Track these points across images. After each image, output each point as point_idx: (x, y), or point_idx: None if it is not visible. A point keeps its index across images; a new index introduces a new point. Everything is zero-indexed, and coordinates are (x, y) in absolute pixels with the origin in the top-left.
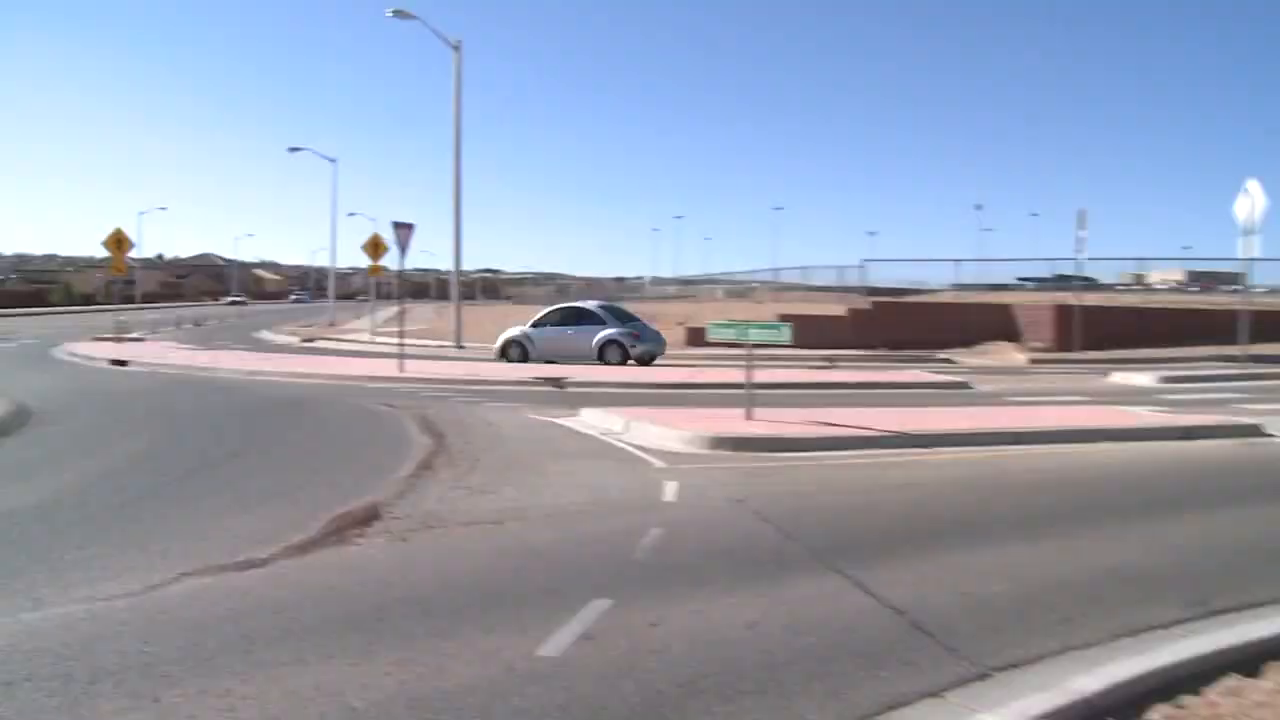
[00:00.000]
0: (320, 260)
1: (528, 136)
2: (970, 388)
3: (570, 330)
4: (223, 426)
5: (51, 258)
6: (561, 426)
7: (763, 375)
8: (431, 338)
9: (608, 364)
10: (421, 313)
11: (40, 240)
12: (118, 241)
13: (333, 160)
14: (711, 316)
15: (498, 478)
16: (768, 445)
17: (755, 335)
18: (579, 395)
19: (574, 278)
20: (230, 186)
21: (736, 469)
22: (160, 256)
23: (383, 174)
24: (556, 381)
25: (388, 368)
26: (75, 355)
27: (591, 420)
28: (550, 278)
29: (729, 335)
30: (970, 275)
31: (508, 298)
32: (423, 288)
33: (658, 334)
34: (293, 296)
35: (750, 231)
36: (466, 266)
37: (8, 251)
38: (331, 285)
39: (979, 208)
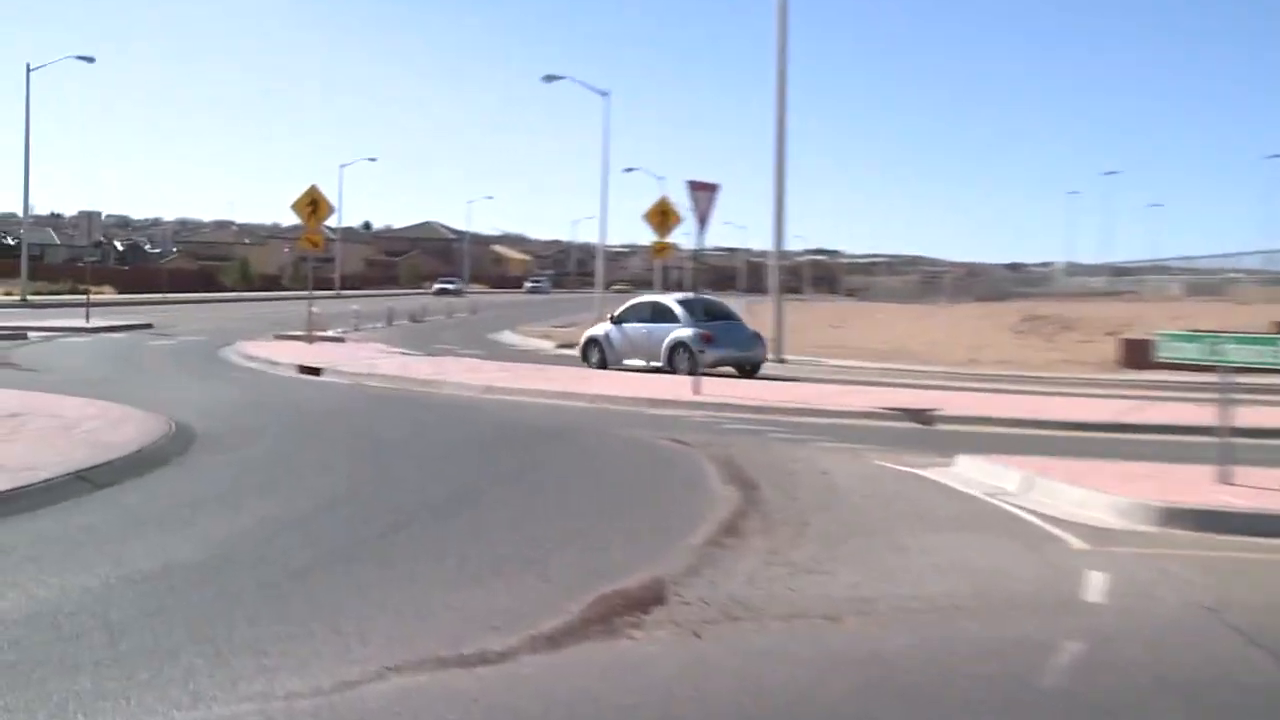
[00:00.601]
0: (585, 234)
1: (880, 69)
2: None
3: (645, 329)
4: (448, 462)
5: (224, 226)
6: (927, 480)
7: (1248, 416)
8: None
9: (676, 372)
10: None
11: (209, 203)
12: (312, 204)
13: (604, 94)
14: (1162, 323)
15: (833, 551)
16: (1256, 525)
17: (1236, 354)
18: (952, 435)
19: (945, 263)
20: (462, 136)
21: (1203, 559)
22: (367, 225)
23: (671, 122)
24: (919, 414)
25: (677, 387)
26: (252, 358)
27: (971, 472)
28: (911, 263)
29: (1191, 353)
30: None
31: (849, 291)
32: (727, 275)
33: (752, 337)
34: (528, 284)
35: (1225, 195)
36: (790, 247)
37: (167, 216)
38: (600, 270)
39: None
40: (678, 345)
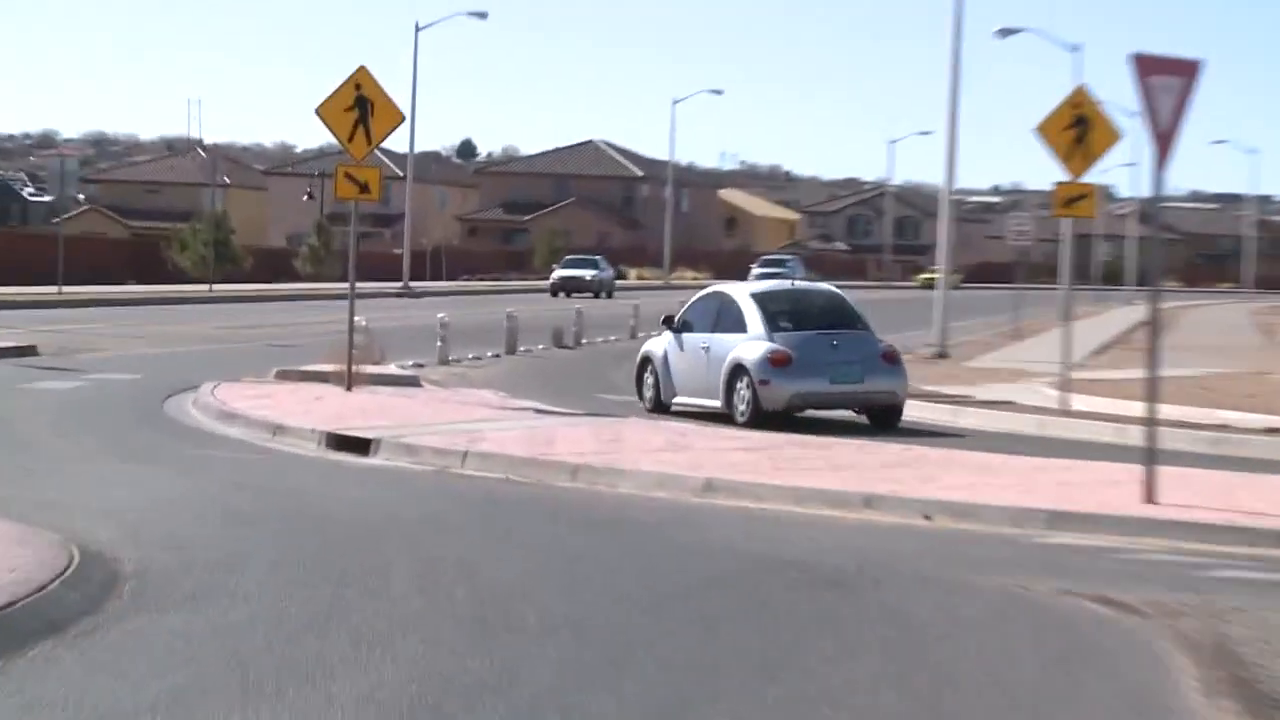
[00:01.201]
0: (912, 169)
1: None
2: None
3: (703, 343)
4: (622, 643)
5: (180, 151)
6: None
7: None
8: (1236, 401)
9: (734, 418)
10: (1216, 323)
11: (150, 110)
12: (358, 106)
13: None
14: None
15: None
16: None
17: None
18: None
19: None
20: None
21: None
22: (469, 151)
23: None
24: None
25: (1105, 486)
26: (234, 418)
27: None
28: None
29: None
30: None
31: None
32: (1218, 252)
33: (871, 357)
34: (755, 270)
35: None
36: None
37: (67, 130)
38: (944, 236)
39: None
40: (737, 371)
